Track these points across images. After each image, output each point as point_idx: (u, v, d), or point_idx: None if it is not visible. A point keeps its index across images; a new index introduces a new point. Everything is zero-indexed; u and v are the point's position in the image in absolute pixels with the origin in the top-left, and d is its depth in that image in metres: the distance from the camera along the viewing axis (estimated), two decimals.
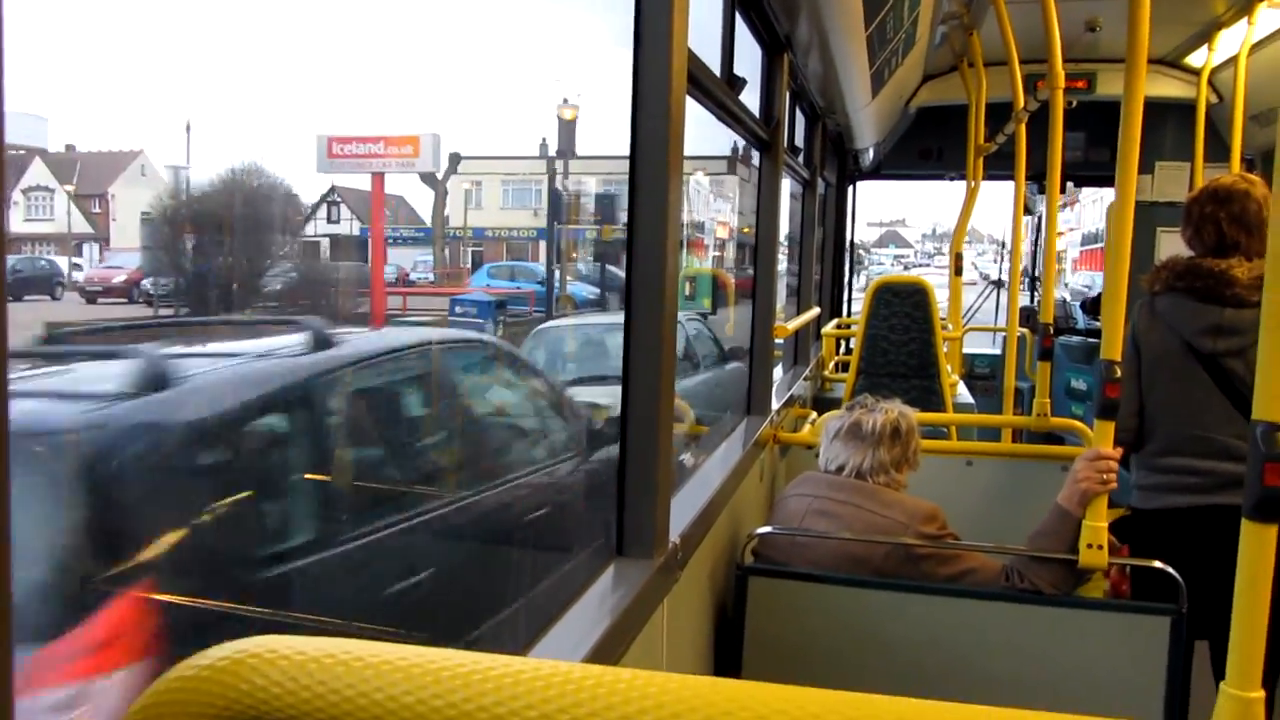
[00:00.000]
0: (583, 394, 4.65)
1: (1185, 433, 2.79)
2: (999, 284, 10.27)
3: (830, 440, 2.66)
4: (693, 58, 2.00)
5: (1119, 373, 2.23)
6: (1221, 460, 2.71)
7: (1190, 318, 2.77)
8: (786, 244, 6.35)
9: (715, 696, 0.47)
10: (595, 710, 0.46)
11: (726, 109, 2.75)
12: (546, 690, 0.47)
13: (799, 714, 0.47)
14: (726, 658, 2.49)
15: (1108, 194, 6.75)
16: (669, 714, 0.46)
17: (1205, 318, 2.73)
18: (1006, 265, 8.20)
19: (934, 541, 2.43)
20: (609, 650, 1.51)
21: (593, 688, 0.47)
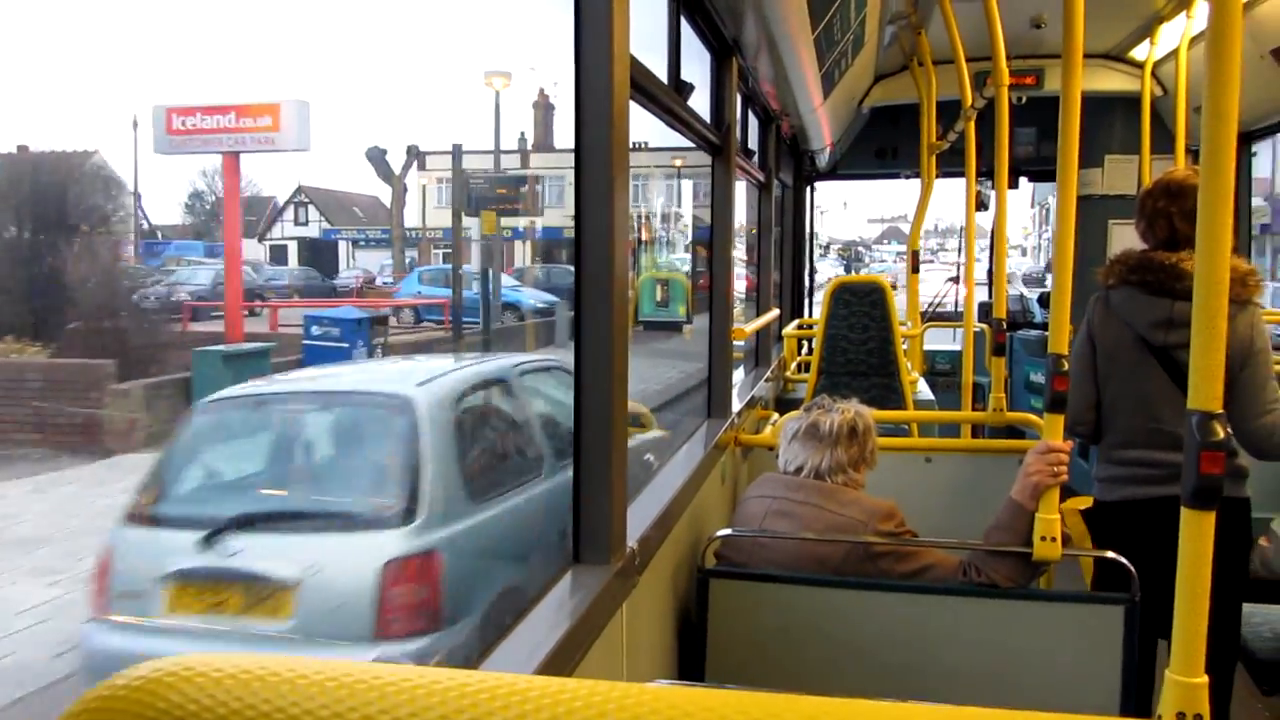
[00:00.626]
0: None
1: (1140, 425, 2.82)
2: (956, 280, 10.37)
3: (789, 441, 2.68)
4: (636, 64, 2.01)
5: (1066, 366, 2.26)
6: (1175, 452, 2.64)
7: (1142, 311, 2.80)
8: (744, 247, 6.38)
9: (667, 704, 0.47)
10: None
11: (674, 114, 2.76)
12: (492, 703, 0.46)
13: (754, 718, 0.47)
14: (689, 661, 2.50)
15: None
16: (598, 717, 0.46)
17: (1157, 310, 2.77)
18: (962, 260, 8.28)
19: (892, 539, 2.45)
20: (566, 658, 1.51)
21: (537, 699, 0.46)
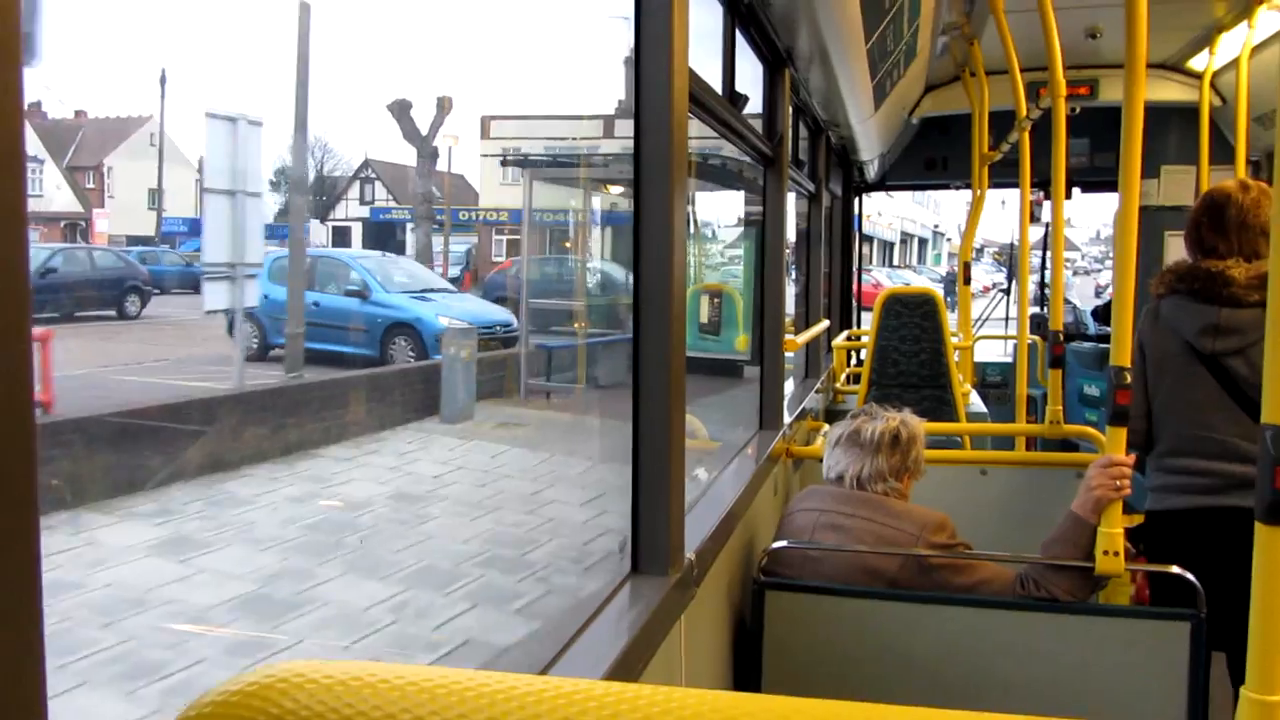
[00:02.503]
0: None
1: (1190, 433, 2.80)
2: (1006, 292, 10.26)
3: (831, 448, 2.66)
4: (694, 76, 2.02)
5: (1129, 379, 2.23)
6: (1225, 461, 2.72)
7: (1190, 318, 2.79)
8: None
9: (737, 711, 0.47)
10: None
11: (729, 126, 2.76)
12: (569, 708, 0.47)
13: None
14: (745, 672, 2.49)
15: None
16: None
17: (1204, 318, 2.76)
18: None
19: (947, 551, 2.43)
20: (628, 667, 1.51)
21: (614, 704, 0.47)
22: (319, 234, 36.93)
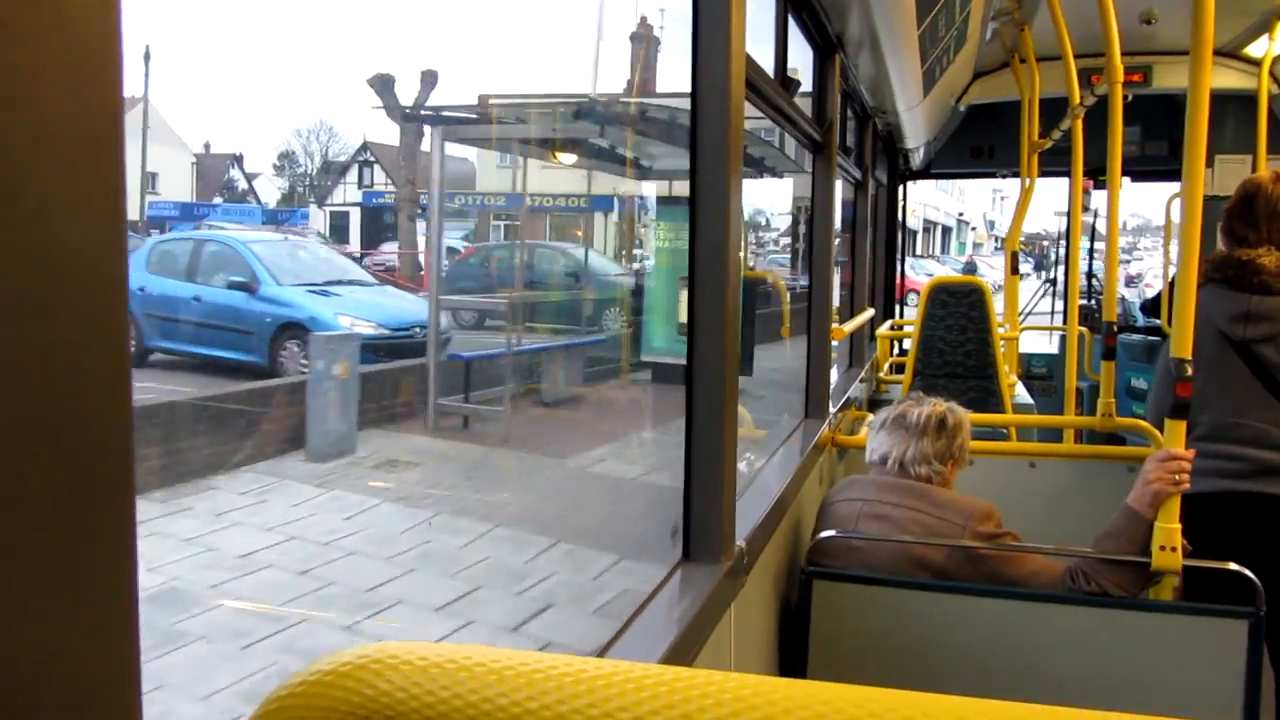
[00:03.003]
0: None
1: (1223, 419, 2.82)
2: (1053, 282, 10.15)
3: (876, 431, 2.64)
4: (750, 62, 2.00)
5: (1189, 371, 2.19)
6: (1257, 447, 2.77)
7: (1223, 306, 2.82)
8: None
9: (802, 697, 0.47)
10: (681, 709, 0.48)
11: (781, 111, 2.75)
12: (638, 692, 0.48)
13: (876, 713, 0.48)
14: (791, 660, 2.48)
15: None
16: (748, 710, 0.47)
17: (1235, 305, 2.80)
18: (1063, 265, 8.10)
19: (994, 542, 2.41)
20: (681, 653, 1.51)
21: (683, 689, 0.48)
22: (317, 219, 35.88)
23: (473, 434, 9.59)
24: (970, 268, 31.73)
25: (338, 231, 35.50)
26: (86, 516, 0.51)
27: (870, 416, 4.16)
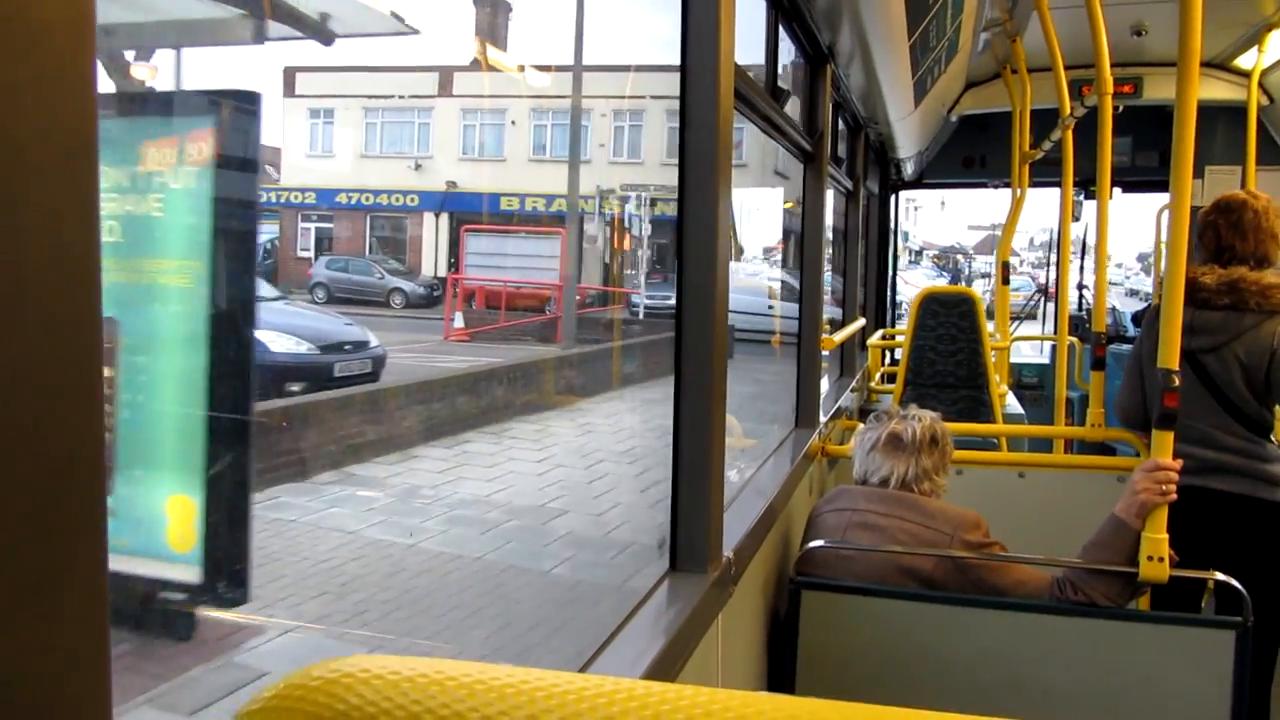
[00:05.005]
0: None
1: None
2: (1043, 291, 10.18)
3: (868, 452, 2.64)
4: (739, 72, 2.01)
5: (1177, 382, 2.20)
6: (1203, 447, 3.00)
7: None
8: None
9: (780, 714, 0.47)
10: None
11: (771, 122, 2.75)
12: (610, 707, 0.47)
13: None
14: (779, 672, 2.48)
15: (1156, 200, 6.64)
16: None
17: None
18: (1054, 275, 8.13)
19: (982, 551, 2.41)
20: (666, 666, 1.51)
21: (656, 704, 0.47)
22: None
23: None
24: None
25: None
26: (58, 517, 0.51)
27: (860, 426, 4.17)
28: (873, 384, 5.99)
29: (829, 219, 4.44)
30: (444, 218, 24.87)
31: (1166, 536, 2.25)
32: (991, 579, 2.40)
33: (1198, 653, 2.23)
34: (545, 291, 20.02)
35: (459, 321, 19.57)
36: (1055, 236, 7.90)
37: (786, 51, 3.27)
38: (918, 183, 8.24)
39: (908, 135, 5.63)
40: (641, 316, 22.31)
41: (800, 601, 2.44)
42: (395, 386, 9.50)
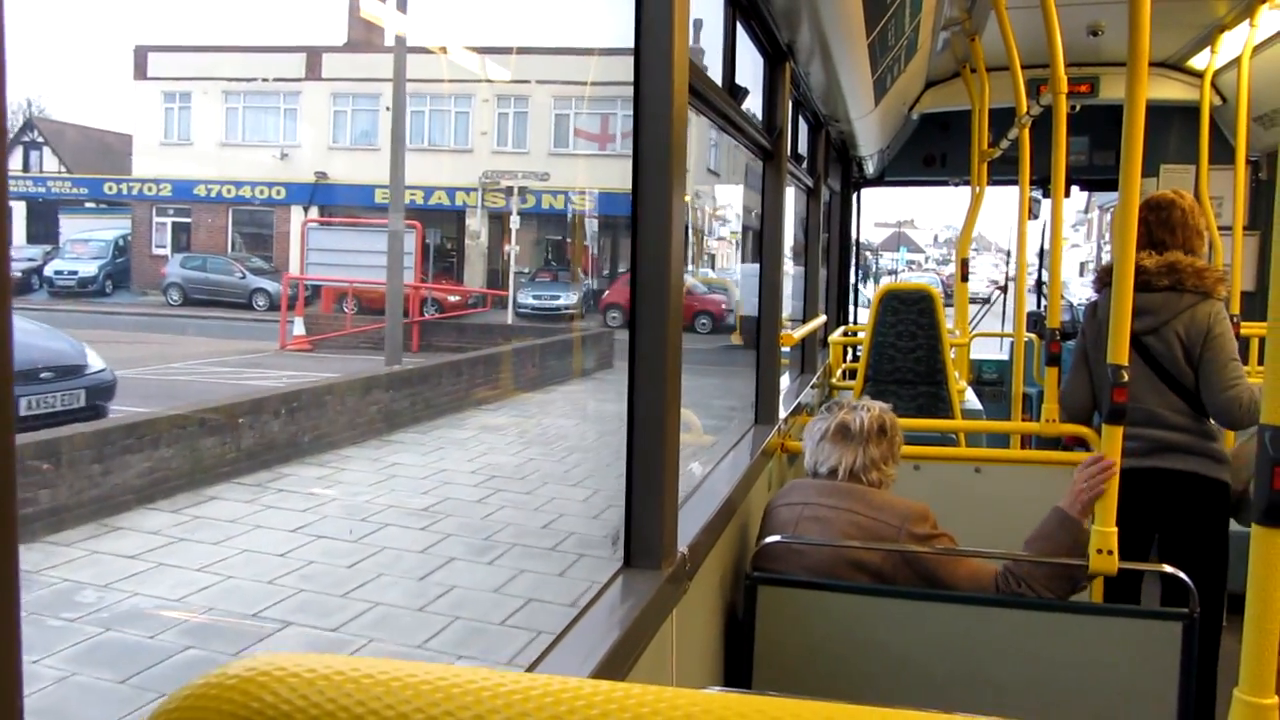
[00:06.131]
0: None
1: None
2: (1004, 289, 10.28)
3: (817, 442, 2.67)
4: (694, 69, 2.01)
5: (1126, 377, 2.22)
6: (1150, 427, 3.19)
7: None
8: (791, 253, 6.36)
9: (728, 711, 0.47)
10: None
11: (729, 119, 2.75)
12: (556, 706, 0.47)
13: None
14: (736, 668, 2.48)
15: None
16: None
17: None
18: (1012, 270, 8.21)
19: (930, 543, 2.44)
20: (618, 663, 1.51)
21: (602, 704, 0.47)
22: None
23: None
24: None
25: None
26: None
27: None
28: (834, 380, 6.02)
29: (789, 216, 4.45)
30: (314, 211, 23.02)
31: (1115, 530, 2.28)
32: (941, 572, 2.43)
33: (1146, 644, 2.26)
34: (405, 292, 18.21)
35: (299, 328, 18.04)
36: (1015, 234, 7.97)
37: (744, 49, 3.28)
38: (879, 180, 8.29)
39: (868, 133, 5.66)
40: (513, 321, 20.87)
41: (757, 597, 2.45)
42: (107, 428, 7.04)
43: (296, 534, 7.03)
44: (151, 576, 6.02)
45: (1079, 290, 19.31)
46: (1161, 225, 3.29)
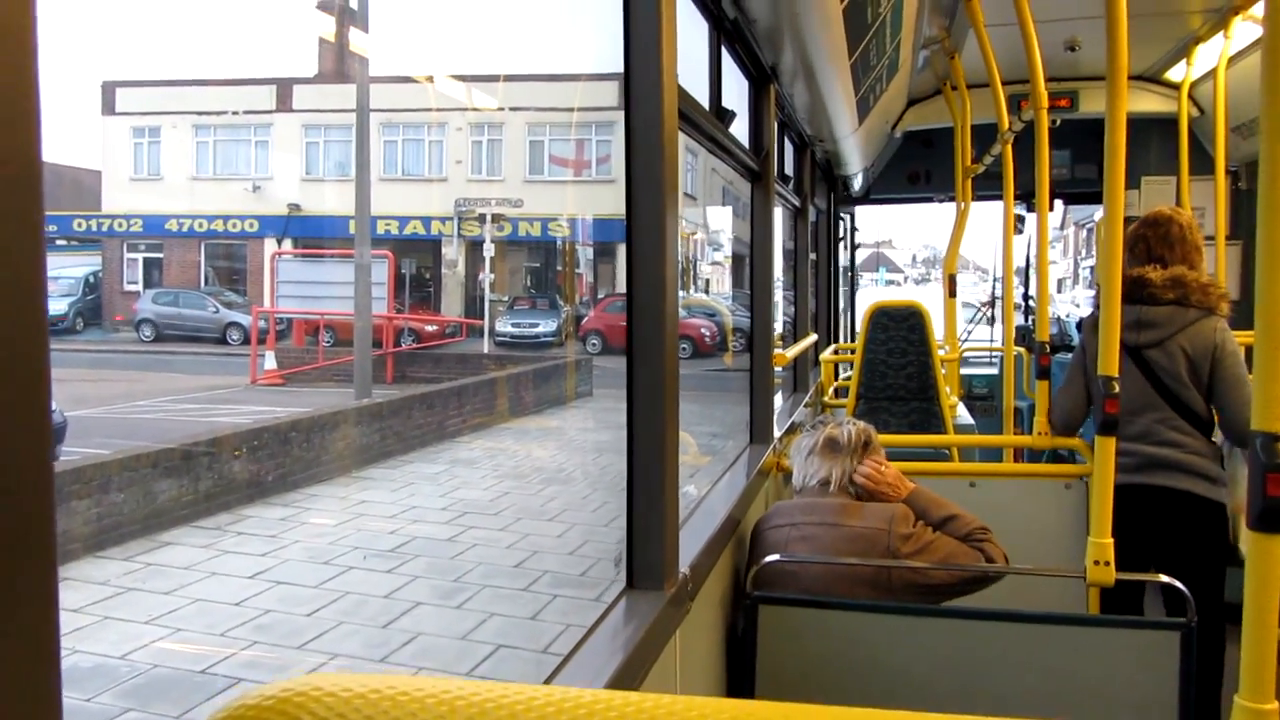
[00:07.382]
0: None
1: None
2: (992, 304, 10.33)
3: (806, 457, 2.74)
4: (683, 94, 2.03)
5: (1117, 389, 2.25)
6: (1141, 442, 3.19)
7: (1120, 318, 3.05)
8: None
9: (741, 715, 0.48)
10: None
11: (717, 142, 2.78)
12: (576, 710, 0.48)
13: None
14: (738, 686, 2.49)
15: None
16: None
17: (1128, 315, 3.09)
18: (998, 287, 8.26)
19: (913, 539, 2.51)
20: (624, 682, 1.51)
21: (620, 707, 0.48)
22: None
23: None
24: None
25: None
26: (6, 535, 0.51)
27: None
28: (826, 398, 6.04)
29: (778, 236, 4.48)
30: (287, 243, 22.97)
31: (1112, 541, 2.29)
32: (924, 561, 2.51)
33: (1145, 654, 2.27)
34: (377, 323, 18.10)
35: (270, 361, 17.87)
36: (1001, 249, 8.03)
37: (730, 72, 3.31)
38: (865, 198, 8.34)
39: (853, 152, 5.70)
40: (490, 350, 20.62)
41: (757, 616, 2.46)
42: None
43: (254, 580, 6.85)
44: (93, 633, 5.80)
45: (1060, 307, 19.43)
46: (1161, 241, 3.31)
